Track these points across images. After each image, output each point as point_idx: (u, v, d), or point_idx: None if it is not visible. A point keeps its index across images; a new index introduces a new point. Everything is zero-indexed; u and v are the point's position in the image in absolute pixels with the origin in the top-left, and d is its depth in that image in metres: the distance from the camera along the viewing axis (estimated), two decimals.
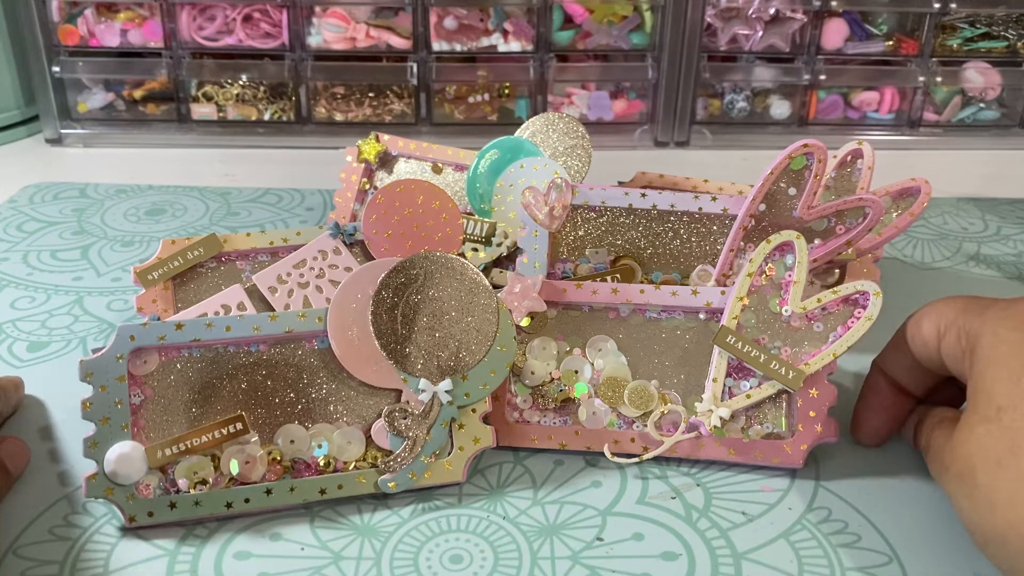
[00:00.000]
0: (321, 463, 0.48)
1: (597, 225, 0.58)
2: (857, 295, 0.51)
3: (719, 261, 0.56)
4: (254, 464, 0.47)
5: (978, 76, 0.96)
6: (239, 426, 0.47)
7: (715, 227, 0.57)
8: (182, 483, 0.47)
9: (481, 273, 0.50)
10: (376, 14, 0.94)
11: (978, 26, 0.95)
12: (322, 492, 0.47)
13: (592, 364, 0.53)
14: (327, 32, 0.93)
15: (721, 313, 0.53)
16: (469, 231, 0.62)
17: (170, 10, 0.92)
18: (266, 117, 0.97)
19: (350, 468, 0.49)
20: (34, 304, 0.66)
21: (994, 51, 0.96)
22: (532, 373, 0.53)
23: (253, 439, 0.48)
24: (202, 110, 0.97)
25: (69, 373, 0.57)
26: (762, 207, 0.56)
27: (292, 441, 0.49)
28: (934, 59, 0.95)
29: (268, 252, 0.59)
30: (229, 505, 0.46)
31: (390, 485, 0.48)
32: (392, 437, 0.49)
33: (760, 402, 0.51)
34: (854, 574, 0.45)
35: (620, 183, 0.68)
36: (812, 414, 0.50)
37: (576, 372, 0.53)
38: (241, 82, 0.96)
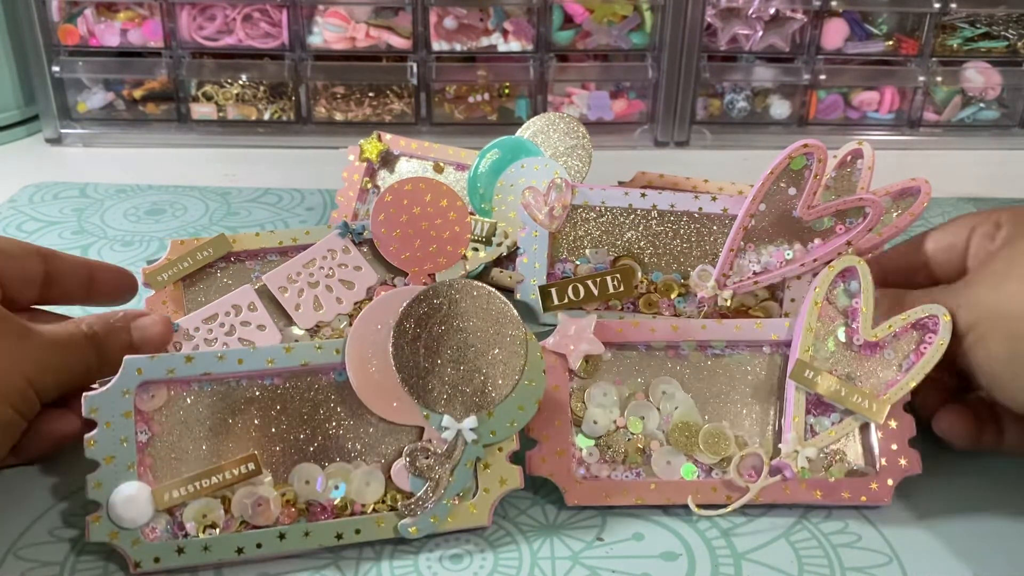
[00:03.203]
0: (338, 505, 0.46)
1: (597, 225, 0.58)
2: (927, 319, 0.49)
3: (719, 261, 0.56)
4: (267, 506, 0.45)
5: (978, 76, 0.96)
6: (251, 466, 0.45)
7: (715, 227, 0.57)
8: (190, 527, 0.44)
9: (508, 303, 0.47)
10: (376, 14, 0.94)
11: (978, 26, 0.95)
12: (338, 537, 0.45)
13: (659, 409, 0.50)
14: (327, 32, 0.93)
15: (786, 346, 0.50)
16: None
17: (170, 10, 0.92)
18: (266, 117, 0.97)
19: (368, 511, 0.46)
20: None
21: (994, 51, 0.96)
22: (595, 422, 0.49)
23: (266, 479, 0.46)
24: (202, 110, 0.97)
25: None
26: (762, 207, 0.56)
27: (307, 482, 0.46)
28: (934, 59, 0.95)
29: (277, 252, 0.59)
30: (240, 551, 0.44)
31: (411, 530, 0.45)
32: (413, 478, 0.46)
33: (839, 438, 0.48)
34: (854, 574, 0.45)
35: (620, 183, 0.68)
36: (894, 447, 0.48)
37: (642, 418, 0.50)
38: (241, 82, 0.96)
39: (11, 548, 0.45)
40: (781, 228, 0.56)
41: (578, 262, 0.58)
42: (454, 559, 0.45)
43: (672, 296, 0.58)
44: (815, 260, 0.55)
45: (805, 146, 0.55)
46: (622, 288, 0.58)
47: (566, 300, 0.58)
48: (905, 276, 0.54)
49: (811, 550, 0.46)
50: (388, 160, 0.71)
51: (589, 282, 0.58)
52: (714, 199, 0.57)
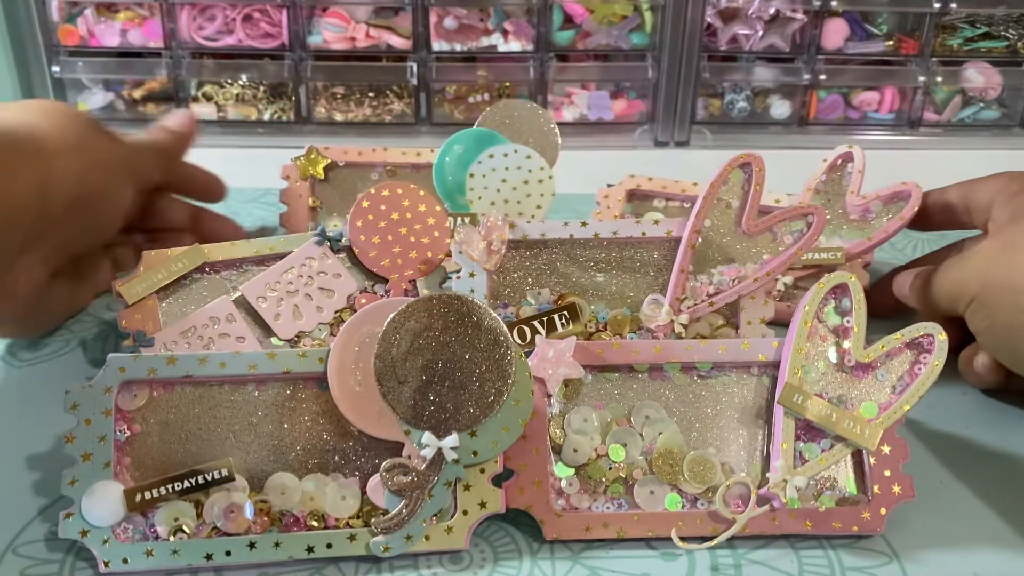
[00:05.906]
0: (311, 517, 0.45)
1: (537, 264, 0.55)
2: (921, 338, 0.48)
3: (671, 285, 0.54)
4: (239, 513, 0.44)
5: (978, 76, 0.96)
6: (224, 472, 0.45)
7: (657, 253, 0.55)
8: (161, 530, 0.44)
9: (499, 319, 0.46)
10: (376, 14, 0.93)
11: (978, 26, 0.95)
12: (309, 550, 0.44)
13: (642, 435, 0.49)
14: (327, 32, 0.93)
15: (775, 367, 0.49)
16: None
17: (170, 10, 0.92)
18: (266, 117, 0.97)
19: (342, 525, 0.46)
20: None
21: (994, 51, 0.96)
22: (575, 451, 0.48)
23: (241, 486, 0.45)
24: (202, 110, 0.97)
25: (69, 373, 0.57)
26: (708, 223, 0.54)
27: (283, 492, 0.45)
28: (934, 59, 0.95)
29: (254, 261, 0.58)
30: (209, 557, 0.44)
31: (383, 548, 0.45)
32: (389, 495, 0.45)
33: (830, 465, 0.47)
34: (854, 574, 0.45)
35: (609, 186, 0.68)
36: (887, 473, 0.47)
37: (624, 445, 0.48)
38: (241, 82, 0.96)
39: (10, 545, 0.45)
40: (727, 245, 0.55)
41: (520, 304, 0.55)
42: (454, 559, 0.45)
43: (624, 333, 0.55)
44: (768, 274, 0.53)
45: (742, 157, 0.54)
46: (571, 325, 0.54)
47: None
48: (944, 214, 0.61)
49: (811, 550, 0.46)
50: (333, 173, 0.69)
51: (535, 323, 0.54)
52: (656, 222, 0.55)
